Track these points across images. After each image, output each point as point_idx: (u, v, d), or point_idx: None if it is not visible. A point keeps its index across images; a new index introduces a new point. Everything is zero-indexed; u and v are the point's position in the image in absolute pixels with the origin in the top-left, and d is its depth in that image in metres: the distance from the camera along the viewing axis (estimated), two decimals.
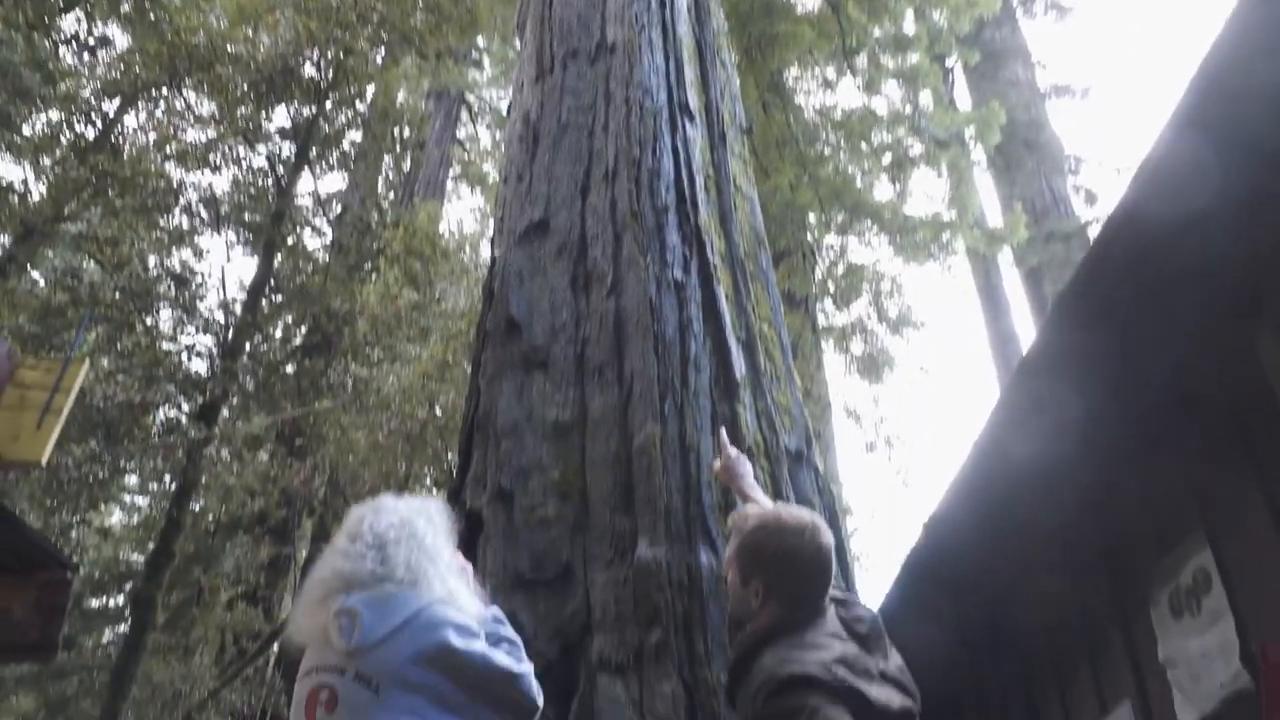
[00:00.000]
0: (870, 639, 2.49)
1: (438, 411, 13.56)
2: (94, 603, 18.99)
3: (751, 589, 2.54)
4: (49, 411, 4.38)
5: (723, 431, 3.61)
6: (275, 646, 15.67)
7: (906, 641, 2.62)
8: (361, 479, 13.97)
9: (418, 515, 2.62)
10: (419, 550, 2.52)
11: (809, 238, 13.71)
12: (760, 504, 2.79)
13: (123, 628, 15.17)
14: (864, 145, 13.31)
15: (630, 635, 3.34)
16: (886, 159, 13.47)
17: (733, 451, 3.28)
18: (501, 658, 2.44)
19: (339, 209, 16.38)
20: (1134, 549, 2.65)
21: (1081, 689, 2.86)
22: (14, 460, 4.38)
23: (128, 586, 17.22)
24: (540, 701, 2.52)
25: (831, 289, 15.01)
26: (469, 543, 3.78)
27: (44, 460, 4.40)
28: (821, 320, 15.65)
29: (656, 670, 3.23)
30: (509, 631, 2.59)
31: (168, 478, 14.19)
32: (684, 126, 5.18)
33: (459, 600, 2.51)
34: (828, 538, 2.53)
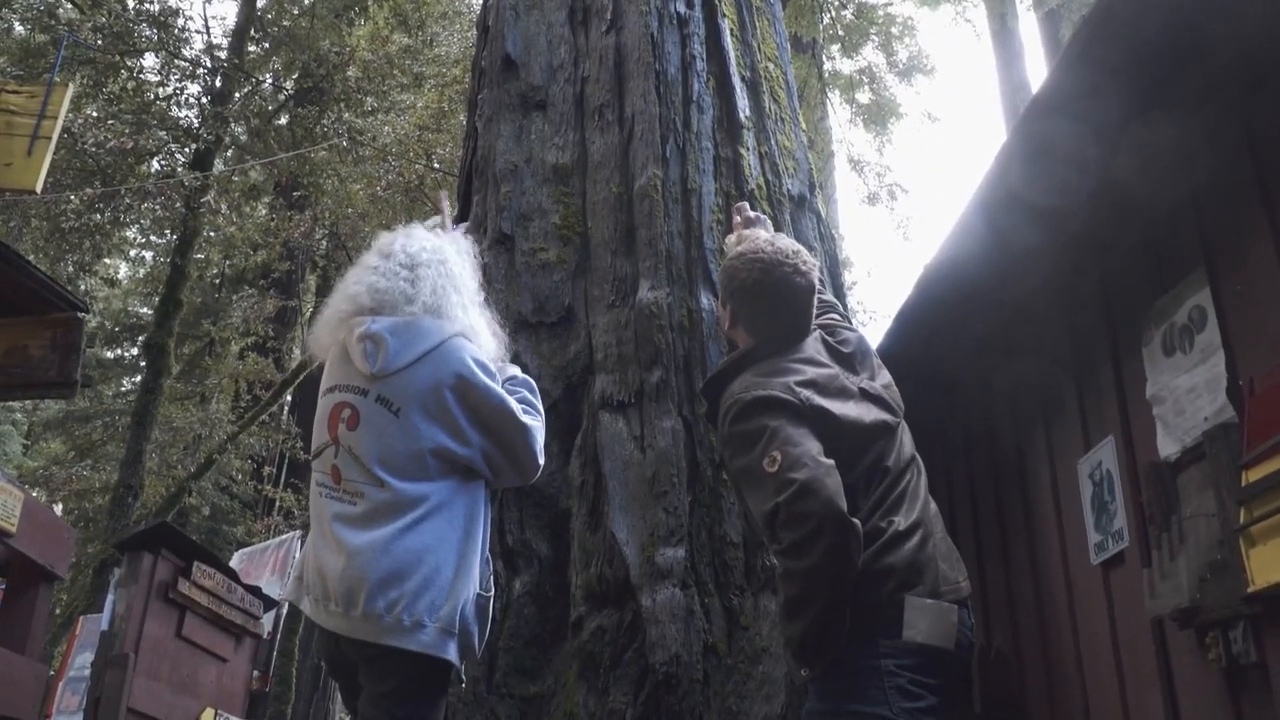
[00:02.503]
0: (854, 358, 2.50)
1: (435, 164, 13.34)
2: (109, 353, 19.49)
3: (728, 313, 2.57)
4: (38, 138, 4.29)
5: (745, 205, 3.53)
6: (288, 395, 16.23)
7: (898, 378, 2.67)
8: (362, 232, 13.94)
9: (448, 243, 2.66)
10: (446, 276, 2.56)
11: None
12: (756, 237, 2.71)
13: (139, 377, 15.60)
14: None
15: (632, 375, 3.43)
16: None
17: (739, 219, 3.18)
18: (514, 404, 2.50)
19: None
20: (1133, 289, 2.65)
21: (1067, 426, 2.93)
22: (8, 187, 4.33)
23: (140, 339, 17.61)
24: (541, 463, 2.59)
25: (840, 33, 14.35)
26: None
27: (38, 188, 4.35)
28: (827, 67, 15.07)
29: (657, 408, 3.33)
30: (535, 400, 2.63)
31: (169, 231, 14.16)
32: None
33: (479, 335, 2.57)
34: (804, 275, 2.48)
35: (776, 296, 2.45)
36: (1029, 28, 17.61)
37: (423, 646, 2.25)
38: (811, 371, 2.34)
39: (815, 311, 2.70)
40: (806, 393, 2.26)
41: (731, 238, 2.69)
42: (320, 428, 2.49)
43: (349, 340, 2.48)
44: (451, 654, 2.30)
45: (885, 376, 2.54)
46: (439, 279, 2.54)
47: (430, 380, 2.41)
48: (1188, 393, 2.36)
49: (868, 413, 2.33)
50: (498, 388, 2.48)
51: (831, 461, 2.12)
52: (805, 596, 2.07)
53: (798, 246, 2.57)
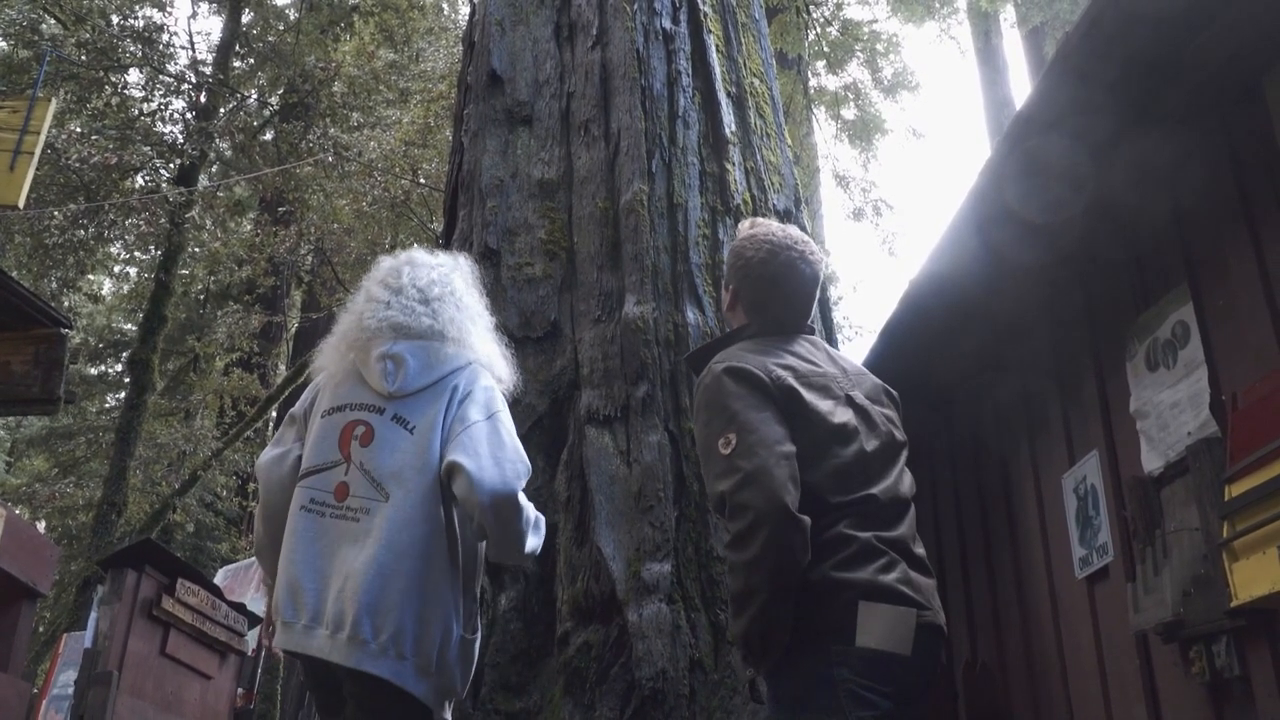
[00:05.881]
0: (849, 372, 2.41)
1: (421, 180, 13.34)
2: (92, 370, 19.36)
3: (729, 293, 2.53)
4: (20, 153, 4.27)
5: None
6: (273, 411, 16.15)
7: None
8: (347, 248, 13.93)
9: (454, 272, 2.66)
10: (460, 309, 2.58)
11: None
12: None
13: (123, 394, 15.50)
14: None
15: (618, 390, 3.43)
16: None
17: None
18: (513, 444, 2.44)
19: None
20: (1117, 304, 2.67)
21: (1052, 441, 2.95)
22: None
23: (124, 355, 17.50)
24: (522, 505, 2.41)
25: (825, 49, 14.44)
26: None
27: (20, 203, 4.33)
28: (813, 83, 15.15)
29: (643, 422, 3.33)
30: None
31: (154, 247, 14.10)
32: None
33: (495, 365, 2.59)
34: (810, 264, 2.45)
35: (780, 278, 2.42)
36: (1013, 45, 17.77)
37: (398, 678, 2.22)
38: (793, 360, 2.29)
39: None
40: (780, 373, 2.21)
41: (745, 223, 2.64)
42: (326, 445, 2.44)
43: (364, 360, 2.47)
44: (425, 694, 2.26)
45: (886, 411, 2.41)
46: (455, 312, 2.56)
47: (445, 395, 2.42)
48: (1171, 407, 2.38)
49: (841, 414, 2.24)
50: (505, 408, 2.47)
51: (790, 449, 2.07)
52: (747, 590, 2.02)
53: (807, 237, 2.54)
